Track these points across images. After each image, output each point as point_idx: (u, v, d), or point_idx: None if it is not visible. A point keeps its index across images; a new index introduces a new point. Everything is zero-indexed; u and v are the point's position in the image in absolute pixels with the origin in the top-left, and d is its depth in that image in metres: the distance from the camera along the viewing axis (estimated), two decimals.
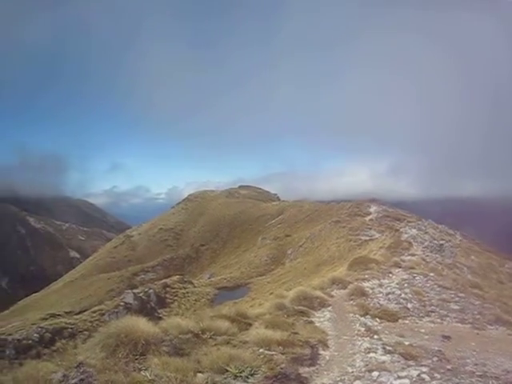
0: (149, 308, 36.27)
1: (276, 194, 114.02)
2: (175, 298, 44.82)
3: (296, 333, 7.72)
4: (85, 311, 38.04)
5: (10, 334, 27.49)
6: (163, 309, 40.22)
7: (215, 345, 5.90)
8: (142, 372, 4.31)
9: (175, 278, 50.74)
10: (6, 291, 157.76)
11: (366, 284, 15.46)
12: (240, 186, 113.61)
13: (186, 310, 41.05)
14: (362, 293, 13.81)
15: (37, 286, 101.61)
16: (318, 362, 6.92)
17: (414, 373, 6.22)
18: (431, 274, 17.21)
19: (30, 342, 26.89)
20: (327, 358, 7.24)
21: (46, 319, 36.69)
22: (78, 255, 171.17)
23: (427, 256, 23.32)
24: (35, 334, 27.81)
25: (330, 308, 12.18)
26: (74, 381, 3.89)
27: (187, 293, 47.08)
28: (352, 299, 13.23)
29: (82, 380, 3.90)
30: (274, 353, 6.04)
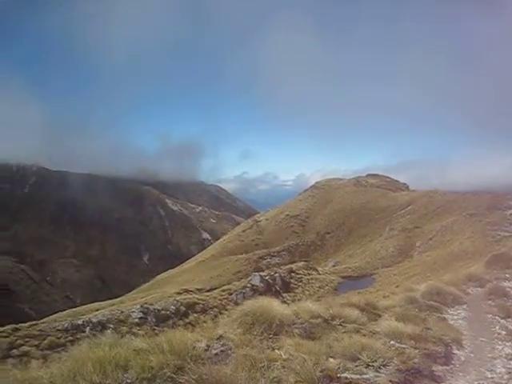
0: (274, 291, 37.20)
1: (405, 184, 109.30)
2: (299, 283, 45.43)
3: (428, 328, 7.41)
4: (214, 289, 40.22)
5: (151, 304, 30.22)
6: (287, 293, 41.00)
7: (345, 332, 5.92)
8: (275, 350, 4.50)
9: (300, 263, 51.43)
10: (147, 266, 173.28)
11: (507, 284, 14.22)
12: (368, 175, 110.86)
13: (310, 295, 41.39)
14: (503, 293, 12.70)
15: (172, 263, 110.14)
16: (453, 361, 6.57)
17: None
18: None
19: (168, 312, 29.27)
20: (462, 358, 6.84)
21: (181, 294, 39.59)
22: (209, 237, 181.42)
23: None
24: (172, 307, 30.20)
25: (465, 306, 11.44)
26: (215, 351, 4.24)
27: (311, 279, 47.48)
28: (491, 299, 12.25)
29: (222, 351, 4.23)
30: (405, 346, 5.88)
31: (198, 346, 4.37)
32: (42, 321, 30.85)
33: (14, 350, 20.76)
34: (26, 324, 25.20)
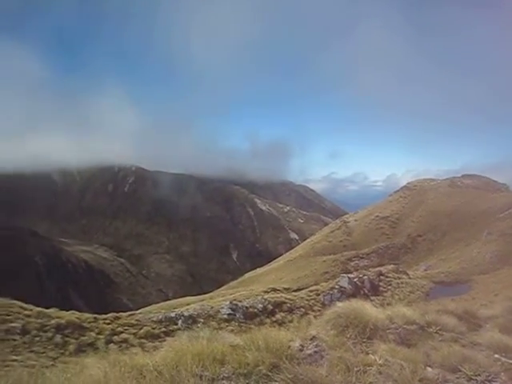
0: (362, 294, 36.38)
1: (505, 184, 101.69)
2: (389, 287, 44.01)
3: None
4: (302, 289, 40.12)
5: (239, 301, 30.85)
6: (376, 296, 39.90)
7: (442, 341, 5.63)
8: (370, 355, 4.39)
9: (390, 266, 49.81)
10: (236, 264, 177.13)
11: None
12: (463, 175, 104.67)
13: (400, 300, 39.96)
14: None
15: (260, 262, 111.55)
16: None
17: None
18: None
19: (256, 310, 29.69)
20: None
21: (268, 292, 39.97)
22: (296, 237, 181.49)
23: None
24: (259, 304, 30.59)
25: None
26: (309, 351, 4.23)
27: (401, 283, 45.79)
28: None
29: (316, 352, 4.21)
30: None
31: (293, 345, 4.39)
32: (138, 311, 32.69)
33: (115, 337, 22.17)
34: (126, 313, 26.82)
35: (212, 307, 29.07)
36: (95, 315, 24.56)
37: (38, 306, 23.60)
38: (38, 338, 19.88)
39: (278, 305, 32.21)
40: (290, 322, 27.85)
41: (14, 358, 17.51)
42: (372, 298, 38.07)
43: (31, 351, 18.80)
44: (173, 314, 26.75)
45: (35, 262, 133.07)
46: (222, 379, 3.79)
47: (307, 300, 35.00)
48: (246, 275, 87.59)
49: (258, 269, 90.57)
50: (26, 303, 23.59)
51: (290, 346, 4.37)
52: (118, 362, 4.00)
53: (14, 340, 19.03)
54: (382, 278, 44.66)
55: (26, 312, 21.81)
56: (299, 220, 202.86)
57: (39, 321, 21.19)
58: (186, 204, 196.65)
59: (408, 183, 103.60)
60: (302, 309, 33.07)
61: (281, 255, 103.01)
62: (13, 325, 19.91)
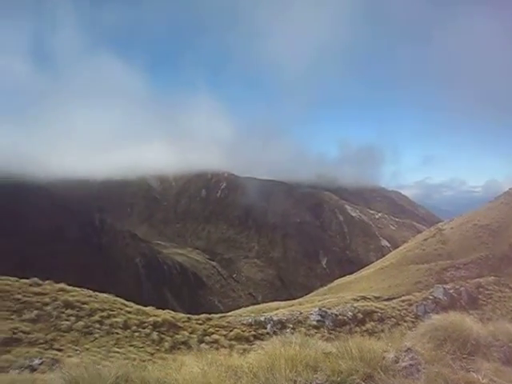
0: (458, 306, 34.43)
1: None
2: (489, 300, 41.20)
3: None
4: (393, 299, 38.82)
5: (328, 308, 30.54)
6: (474, 310, 37.48)
7: None
8: (472, 373, 4.17)
9: (490, 278, 46.57)
10: (325, 270, 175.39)
11: None
12: None
13: (502, 315, 37.25)
14: None
15: (350, 269, 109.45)
16: None
17: None
18: None
19: (345, 318, 29.21)
20: None
21: (358, 300, 39.10)
22: (388, 244, 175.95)
23: None
24: (349, 312, 30.05)
25: None
26: (404, 364, 4.10)
27: (503, 297, 42.67)
28: None
29: (411, 365, 4.06)
30: None
31: (387, 356, 4.28)
32: (229, 314, 33.48)
33: (207, 337, 22.92)
34: (217, 315, 27.62)
35: (301, 313, 29.04)
36: (188, 315, 25.56)
37: (137, 304, 25.06)
38: (137, 334, 21.10)
39: (368, 314, 31.43)
40: (381, 331, 27.04)
41: (117, 350, 18.75)
42: (470, 311, 35.86)
43: (131, 345, 19.99)
44: (262, 318, 27.09)
45: (135, 263, 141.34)
46: None
47: (399, 310, 33.80)
48: (335, 282, 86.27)
49: (347, 276, 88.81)
50: (127, 301, 25.17)
51: (384, 357, 4.26)
52: (215, 362, 4.15)
53: (117, 334, 20.37)
54: (481, 290, 41.97)
55: (127, 309, 23.25)
56: (391, 227, 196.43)
57: (138, 317, 22.48)
58: (275, 210, 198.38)
59: (510, 189, 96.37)
60: (393, 319, 32.00)
61: (371, 263, 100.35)
62: (116, 320, 21.33)
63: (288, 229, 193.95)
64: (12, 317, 19.05)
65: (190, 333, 22.88)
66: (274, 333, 24.26)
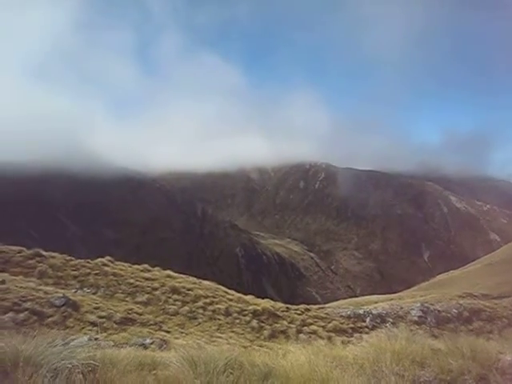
0: None
1: None
2: None
3: None
4: (504, 297, 36.46)
5: (431, 304, 29.52)
6: None
7: None
8: None
9: None
10: (427, 264, 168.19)
11: None
12: None
13: None
14: None
15: (454, 264, 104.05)
16: None
17: None
18: None
19: (449, 315, 28.04)
20: None
21: (463, 297, 37.20)
22: (498, 238, 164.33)
23: None
24: (454, 310, 28.77)
25: None
26: None
27: None
28: None
29: None
30: None
31: (503, 358, 4.09)
32: (327, 305, 33.65)
33: (305, 328, 23.29)
34: (315, 306, 27.95)
35: (401, 307, 28.35)
36: (287, 305, 26.12)
37: (237, 292, 26.16)
38: (238, 321, 22.06)
39: (476, 312, 29.81)
40: (489, 332, 25.63)
41: (219, 335, 19.79)
42: None
43: (232, 331, 20.96)
44: (361, 311, 26.87)
45: (235, 252, 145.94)
46: (423, 382, 3.74)
47: (511, 310, 31.71)
48: (438, 277, 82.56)
49: (451, 271, 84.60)
50: (228, 288, 26.38)
51: (499, 359, 4.07)
52: (320, 351, 4.27)
53: (219, 320, 21.46)
54: None
55: (229, 296, 24.35)
56: (501, 220, 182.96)
57: (239, 305, 23.46)
58: (375, 201, 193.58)
59: None
60: (504, 319, 30.07)
61: (478, 258, 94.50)
62: (218, 306, 22.45)
63: (388, 220, 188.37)
64: (127, 299, 20.88)
65: (289, 322, 23.38)
66: (374, 327, 24.03)
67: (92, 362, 3.98)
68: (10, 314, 15.85)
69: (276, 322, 22.92)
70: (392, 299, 45.60)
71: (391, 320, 26.00)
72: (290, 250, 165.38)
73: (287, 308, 25.21)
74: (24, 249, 23.46)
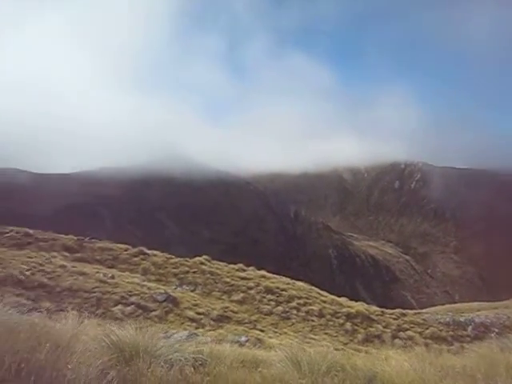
0: None
1: None
2: None
3: None
4: None
5: None
6: None
7: None
8: None
9: None
10: None
11: None
12: None
13: None
14: None
15: None
16: None
17: None
18: None
19: None
20: None
21: None
22: None
23: None
24: None
25: None
26: None
27: None
28: None
29: None
30: None
31: None
32: (424, 311, 32.44)
33: (401, 333, 22.69)
34: (412, 311, 27.11)
35: (509, 317, 26.63)
36: (382, 309, 25.60)
37: (330, 294, 26.10)
38: (331, 323, 22.03)
39: None
40: None
41: (312, 336, 19.91)
42: None
43: (325, 333, 20.98)
44: (462, 319, 25.65)
45: (328, 254, 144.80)
46: None
47: None
48: None
49: None
50: (320, 290, 26.40)
51: None
52: (424, 359, 4.12)
53: (313, 321, 21.59)
54: None
55: (322, 298, 24.40)
56: None
57: (332, 307, 23.41)
58: (476, 201, 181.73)
59: None
60: None
61: None
62: (311, 307, 22.60)
63: (490, 222, 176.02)
64: (223, 297, 21.72)
65: (384, 327, 22.92)
66: (476, 336, 22.90)
67: (200, 356, 4.32)
68: (119, 307, 17.23)
69: (370, 326, 22.58)
70: (497, 308, 42.76)
71: (496, 330, 24.48)
72: (384, 253, 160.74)
73: (382, 312, 24.74)
74: (129, 247, 25.30)
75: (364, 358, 4.74)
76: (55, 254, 22.35)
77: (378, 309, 25.37)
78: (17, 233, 24.79)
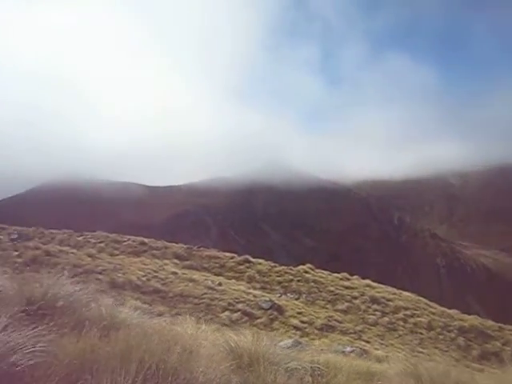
0: None
1: None
2: None
3: None
4: None
5: None
6: None
7: None
8: None
9: None
10: None
11: None
12: None
13: None
14: None
15: None
16: None
17: None
18: None
19: None
20: None
21: None
22: None
23: None
24: None
25: None
26: None
27: None
28: None
29: None
30: None
31: None
32: None
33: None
34: None
35: None
36: (500, 324, 23.84)
37: (438, 305, 24.84)
38: (441, 336, 20.96)
39: None
40: None
41: (421, 350, 19.08)
42: None
43: (435, 347, 19.99)
44: None
45: (435, 263, 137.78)
46: None
47: None
48: None
49: None
50: (428, 300, 25.24)
51: None
52: None
53: (421, 334, 20.70)
54: None
55: (431, 309, 23.31)
56: None
57: (443, 320, 22.27)
58: None
59: None
60: None
61: None
62: (420, 319, 21.68)
63: None
64: (327, 306, 21.63)
65: (503, 344, 21.33)
66: None
67: (317, 365, 4.41)
68: (227, 313, 17.90)
69: (486, 342, 21.13)
70: None
71: None
72: (498, 262, 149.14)
73: (500, 327, 23.03)
74: (235, 255, 26.19)
75: (486, 377, 4.52)
76: (167, 261, 23.79)
77: (494, 324, 23.64)
78: (133, 241, 26.83)
